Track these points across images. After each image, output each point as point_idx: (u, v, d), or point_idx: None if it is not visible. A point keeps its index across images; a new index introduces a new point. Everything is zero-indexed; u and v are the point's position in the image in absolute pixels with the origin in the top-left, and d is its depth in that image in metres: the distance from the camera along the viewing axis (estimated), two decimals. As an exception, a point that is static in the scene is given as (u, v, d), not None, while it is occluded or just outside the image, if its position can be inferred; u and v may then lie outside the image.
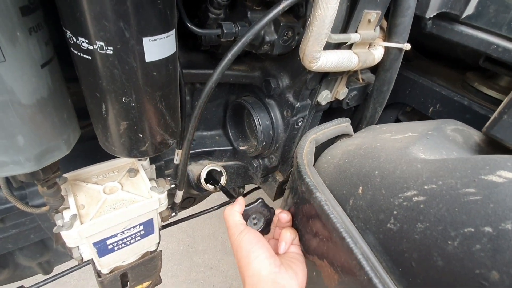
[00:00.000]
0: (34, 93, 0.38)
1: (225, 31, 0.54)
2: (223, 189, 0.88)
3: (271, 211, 0.67)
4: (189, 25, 0.53)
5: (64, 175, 0.62)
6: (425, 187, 0.42)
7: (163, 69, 0.46)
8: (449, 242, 0.35)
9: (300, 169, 0.60)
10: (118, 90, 0.44)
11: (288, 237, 0.60)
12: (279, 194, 1.05)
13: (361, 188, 0.53)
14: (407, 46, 0.74)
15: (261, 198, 0.67)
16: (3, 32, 0.32)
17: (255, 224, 0.66)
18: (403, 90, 1.04)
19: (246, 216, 0.64)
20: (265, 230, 0.68)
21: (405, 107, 1.13)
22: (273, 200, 1.08)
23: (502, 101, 0.57)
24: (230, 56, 0.50)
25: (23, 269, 0.94)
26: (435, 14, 0.76)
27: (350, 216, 0.51)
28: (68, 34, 0.39)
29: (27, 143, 0.39)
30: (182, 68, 0.56)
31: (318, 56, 0.57)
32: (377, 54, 0.74)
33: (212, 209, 1.36)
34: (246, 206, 0.65)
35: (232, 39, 0.56)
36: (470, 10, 0.75)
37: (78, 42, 0.39)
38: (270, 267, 0.52)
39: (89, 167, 0.66)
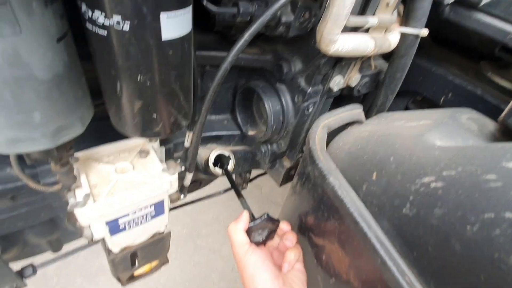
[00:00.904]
0: (50, 68, 0.37)
1: (241, 10, 0.53)
2: (228, 175, 0.89)
3: (276, 223, 0.67)
4: (204, 1, 0.51)
5: (75, 154, 0.62)
6: (444, 173, 0.42)
7: (179, 48, 0.45)
8: (468, 227, 0.35)
9: (313, 154, 0.59)
10: (133, 68, 0.43)
11: (292, 258, 0.62)
12: (285, 180, 1.06)
13: (375, 174, 0.52)
14: (425, 32, 0.72)
15: (267, 214, 0.67)
16: (19, 3, 0.31)
17: (259, 235, 0.67)
18: (415, 78, 1.02)
19: (250, 231, 0.64)
20: (268, 239, 0.69)
21: (415, 95, 1.12)
22: (280, 186, 1.08)
23: (515, 91, 0.56)
24: (246, 36, 0.49)
25: (33, 246, 0.96)
26: (453, 0, 0.74)
27: (363, 202, 0.51)
28: (84, 7, 0.38)
29: (43, 119, 0.39)
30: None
31: (336, 39, 0.55)
32: (393, 39, 0.72)
33: (216, 194, 1.37)
34: (251, 220, 0.65)
35: (248, 19, 0.55)
36: (490, -5, 0.72)
37: (93, 16, 0.38)
38: None
39: (100, 147, 0.65)
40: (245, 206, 0.72)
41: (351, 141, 0.66)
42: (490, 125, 0.64)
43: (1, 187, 0.63)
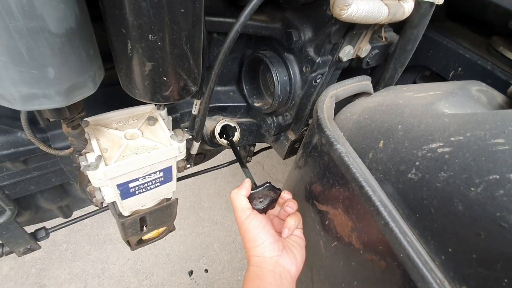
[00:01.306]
0: (63, 21, 0.36)
1: (253, -32, 0.51)
2: (233, 146, 0.90)
3: (277, 192, 0.69)
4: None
5: (85, 119, 0.63)
6: (452, 138, 0.42)
7: (190, 5, 0.44)
8: (472, 188, 0.37)
9: (321, 122, 0.60)
10: (145, 26, 0.42)
11: (292, 224, 0.64)
12: (289, 153, 1.07)
13: (382, 142, 0.53)
14: (440, 0, 0.70)
15: (269, 182, 0.68)
16: None
17: (260, 202, 0.68)
18: (425, 52, 1.00)
19: (251, 198, 0.66)
20: (269, 207, 0.70)
21: (424, 70, 1.10)
22: (283, 159, 1.10)
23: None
24: (255, 1, 0.47)
25: (44, 211, 1.00)
26: (474, -35, 0.71)
27: (369, 168, 0.53)
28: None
29: (57, 75, 0.39)
30: None
31: (350, 2, 0.53)
32: (407, 7, 0.70)
33: (218, 167, 1.39)
34: (253, 189, 0.67)
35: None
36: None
37: (105, -32, 0.37)
38: (274, 251, 0.58)
39: (109, 113, 0.66)
40: (248, 175, 0.73)
41: (359, 111, 0.66)
42: (499, 97, 0.64)
43: (13, 150, 0.64)
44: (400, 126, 0.52)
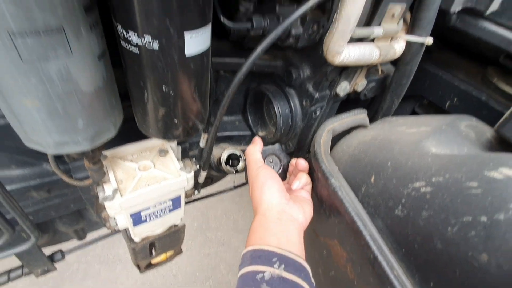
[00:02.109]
0: (93, 82, 0.43)
1: (255, 25, 0.58)
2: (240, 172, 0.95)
3: (287, 158, 0.71)
4: (221, 18, 0.57)
5: (104, 152, 0.70)
6: (433, 179, 0.46)
7: (199, 61, 0.51)
8: (449, 228, 0.40)
9: (317, 156, 0.64)
10: (159, 80, 0.49)
11: (304, 178, 0.63)
12: (293, 178, 1.11)
13: (373, 177, 0.57)
14: (430, 41, 0.75)
15: (279, 143, 0.71)
16: (71, 29, 0.37)
17: (271, 164, 0.71)
18: (422, 83, 1.05)
19: (264, 154, 0.68)
20: (281, 175, 0.71)
21: (422, 99, 1.14)
22: (287, 184, 1.14)
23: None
24: (259, 50, 0.54)
25: (61, 234, 1.06)
26: (460, 8, 0.76)
27: (361, 202, 0.57)
28: (119, 28, 0.44)
29: (85, 125, 0.46)
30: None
31: (341, 51, 0.60)
32: (398, 47, 0.76)
33: (225, 191, 1.44)
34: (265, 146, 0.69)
35: (260, 33, 0.60)
36: (495, 6, 0.74)
37: (127, 36, 0.44)
38: (281, 198, 0.57)
39: (125, 146, 0.73)
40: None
41: (354, 145, 0.70)
42: (488, 132, 0.67)
43: (39, 180, 0.71)
44: (389, 163, 0.56)
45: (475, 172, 0.42)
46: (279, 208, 0.55)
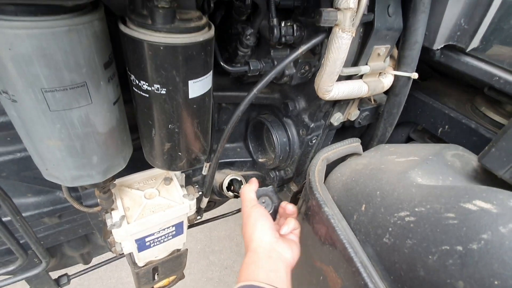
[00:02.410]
0: (108, 124, 0.49)
1: (251, 68, 0.65)
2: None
3: (279, 199, 0.75)
4: (222, 63, 0.63)
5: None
6: (416, 209, 0.50)
7: (201, 102, 0.57)
8: (430, 256, 0.43)
9: (312, 185, 0.69)
10: (166, 119, 0.55)
11: (292, 224, 0.66)
12: (293, 202, 1.14)
13: (364, 205, 0.61)
14: (415, 75, 0.81)
15: (272, 185, 0.75)
16: (92, 83, 0.44)
17: (263, 203, 0.74)
18: (414, 110, 1.10)
19: (258, 194, 0.73)
20: (272, 215, 0.74)
21: (416, 125, 1.19)
22: (287, 208, 1.17)
23: (507, 126, 0.63)
24: (255, 91, 0.60)
25: (67, 258, 1.09)
26: (442, 46, 0.83)
27: (353, 230, 0.60)
28: (132, 77, 0.51)
29: (99, 161, 0.51)
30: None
31: (330, 89, 0.66)
32: (386, 82, 0.82)
33: (229, 214, 1.47)
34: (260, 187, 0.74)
35: (257, 74, 0.67)
36: (475, 43, 0.81)
37: (139, 84, 0.50)
38: (271, 237, 0.60)
39: (132, 175, 0.78)
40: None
41: (347, 173, 0.74)
42: (473, 161, 0.71)
43: (52, 207, 0.76)
44: (378, 192, 0.60)
45: (452, 204, 0.46)
46: (269, 246, 0.59)
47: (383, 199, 0.58)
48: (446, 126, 1.02)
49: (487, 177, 0.64)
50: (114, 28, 0.47)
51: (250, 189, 0.72)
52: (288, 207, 0.71)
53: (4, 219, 0.59)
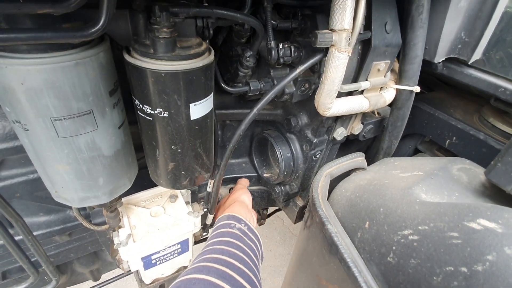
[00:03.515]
0: (113, 147, 0.52)
1: (252, 88, 0.66)
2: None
3: None
4: (223, 85, 0.66)
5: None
6: (420, 227, 0.49)
7: (203, 123, 0.59)
8: (434, 277, 0.42)
9: (315, 202, 0.68)
10: (169, 141, 0.57)
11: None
12: (299, 217, 1.13)
13: (367, 223, 0.60)
14: (417, 89, 0.81)
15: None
16: (98, 109, 0.46)
17: None
18: (420, 122, 1.09)
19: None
20: None
21: (423, 137, 1.17)
22: (294, 223, 1.16)
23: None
24: (255, 110, 0.62)
25: (78, 275, 1.11)
26: (443, 59, 0.83)
27: (357, 248, 0.59)
28: (137, 102, 0.53)
29: (105, 182, 0.53)
30: (215, 109, 0.69)
31: (330, 106, 0.66)
32: (388, 96, 0.82)
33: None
34: None
35: (257, 93, 0.68)
36: (477, 55, 0.80)
37: (143, 108, 0.53)
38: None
39: (139, 193, 0.80)
40: None
41: (351, 189, 0.74)
42: (481, 175, 0.69)
43: (62, 226, 0.79)
44: (381, 209, 0.59)
45: (456, 222, 0.45)
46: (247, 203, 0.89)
47: (386, 216, 0.57)
48: (454, 138, 1.00)
49: (495, 192, 0.62)
50: (121, 53, 0.50)
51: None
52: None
53: (16, 238, 0.61)
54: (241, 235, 0.69)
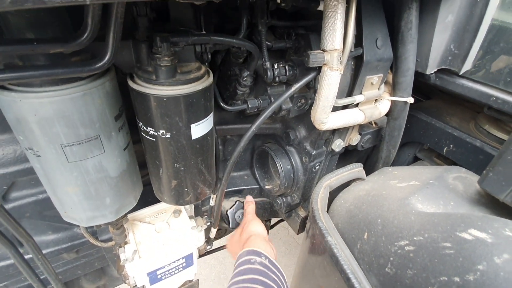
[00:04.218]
0: (119, 168, 0.54)
1: (250, 106, 0.69)
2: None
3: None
4: (221, 104, 0.69)
5: (126, 216, 0.79)
6: (415, 238, 0.51)
7: (204, 141, 0.62)
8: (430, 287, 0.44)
9: (315, 214, 0.70)
10: (172, 160, 0.60)
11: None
12: (302, 228, 1.14)
13: (366, 234, 0.62)
14: (411, 100, 0.84)
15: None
16: (104, 134, 0.49)
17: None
18: (418, 130, 1.10)
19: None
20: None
21: (422, 145, 1.19)
22: (297, 234, 1.17)
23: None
24: (253, 128, 0.64)
25: (84, 291, 1.12)
26: (435, 70, 0.86)
27: (357, 259, 0.60)
28: (141, 124, 0.56)
29: (111, 202, 0.56)
30: (216, 125, 0.71)
31: (325, 121, 0.69)
32: (382, 108, 0.84)
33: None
34: None
35: (255, 111, 0.71)
36: (467, 66, 0.83)
37: (147, 130, 0.56)
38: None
39: (144, 209, 0.82)
40: None
41: (351, 199, 0.76)
42: (476, 184, 0.71)
43: (70, 243, 0.81)
44: (379, 220, 0.61)
45: (448, 233, 0.46)
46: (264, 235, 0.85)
47: (384, 227, 0.59)
48: (451, 145, 1.02)
49: (490, 200, 0.64)
50: (125, 77, 0.53)
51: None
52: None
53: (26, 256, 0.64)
54: (264, 269, 0.68)
